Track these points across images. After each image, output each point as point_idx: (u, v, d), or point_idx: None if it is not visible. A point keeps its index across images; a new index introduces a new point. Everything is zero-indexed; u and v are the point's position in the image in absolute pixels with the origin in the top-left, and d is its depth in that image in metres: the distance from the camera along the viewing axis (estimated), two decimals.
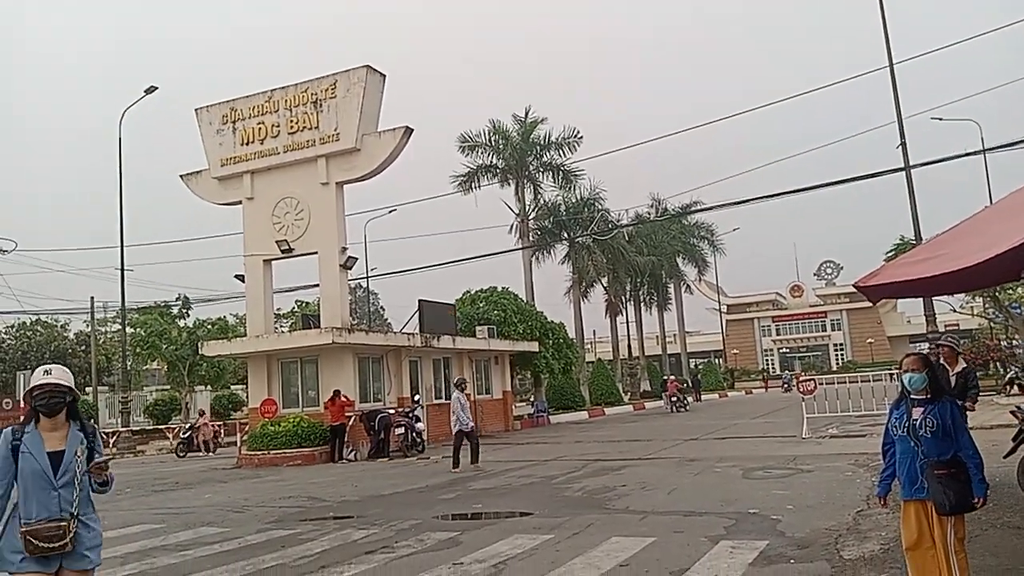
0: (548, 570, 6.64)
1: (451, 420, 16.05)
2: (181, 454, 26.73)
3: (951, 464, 4.70)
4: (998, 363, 35.77)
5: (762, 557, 6.64)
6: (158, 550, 8.89)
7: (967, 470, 4.71)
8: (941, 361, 8.73)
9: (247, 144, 23.09)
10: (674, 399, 35.21)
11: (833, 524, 7.82)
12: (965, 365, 9.14)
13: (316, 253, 22.26)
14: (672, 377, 40.08)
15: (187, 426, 28.95)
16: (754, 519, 8.42)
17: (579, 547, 7.49)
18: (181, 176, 24.56)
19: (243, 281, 23.41)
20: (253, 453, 20.55)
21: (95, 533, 4.04)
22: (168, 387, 44.05)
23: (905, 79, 21.96)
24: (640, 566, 6.64)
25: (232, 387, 43.83)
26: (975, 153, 24.10)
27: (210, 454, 26.68)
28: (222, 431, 32.32)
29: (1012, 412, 8.93)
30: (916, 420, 4.82)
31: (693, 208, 46.65)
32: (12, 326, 47.25)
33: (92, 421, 4.27)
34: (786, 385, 51.01)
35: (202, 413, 30.34)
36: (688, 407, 35.95)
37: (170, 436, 31.86)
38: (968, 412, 7.26)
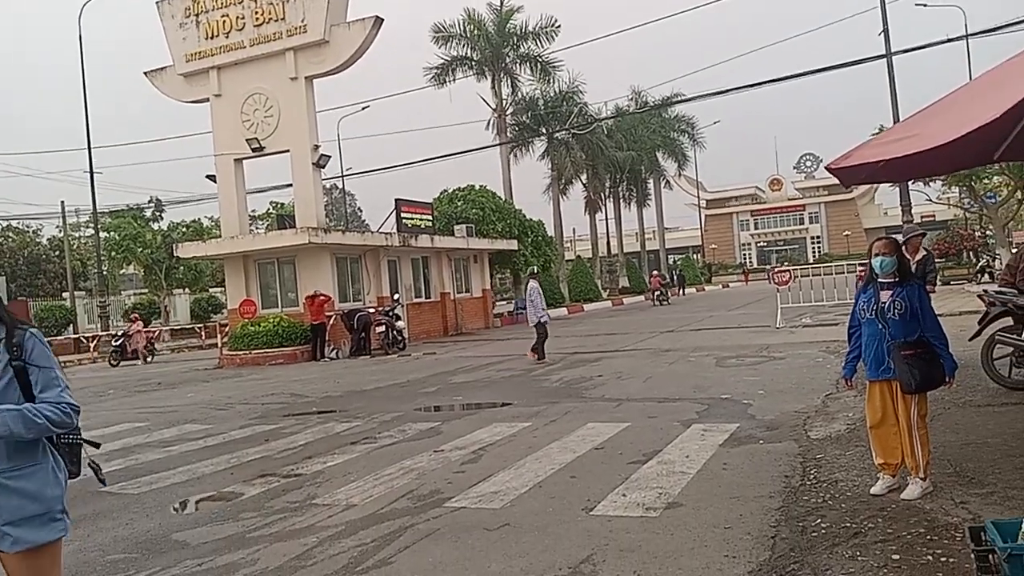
0: (526, 455, 6.83)
1: (529, 312, 15.30)
2: (114, 362, 24.66)
3: (917, 345, 4.81)
4: (971, 252, 36.41)
5: (732, 439, 6.86)
6: (142, 447, 9.03)
7: (932, 351, 4.82)
8: (904, 250, 8.92)
9: (212, 38, 22.21)
10: (656, 293, 36.37)
11: (802, 407, 8.06)
12: (925, 252, 9.50)
13: (288, 151, 21.80)
14: (655, 273, 41.53)
15: (119, 333, 26.73)
16: (726, 404, 8.66)
17: (556, 433, 7.70)
18: (146, 73, 23.73)
19: (214, 181, 23.00)
20: (234, 353, 20.70)
21: (28, 497, 2.60)
22: (146, 291, 43.90)
23: None
24: (614, 448, 6.84)
25: (211, 290, 43.76)
26: (958, 39, 23.68)
27: (145, 361, 25.01)
28: (204, 333, 32.37)
29: (979, 296, 9.12)
30: (885, 303, 4.89)
31: (673, 99, 45.86)
32: None
33: (27, 328, 2.72)
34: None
35: (135, 319, 27.48)
36: (669, 301, 36.87)
37: (152, 335, 31.70)
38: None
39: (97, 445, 3.03)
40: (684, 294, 45.86)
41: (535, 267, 18.14)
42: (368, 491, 6.04)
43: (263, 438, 8.92)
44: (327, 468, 7.03)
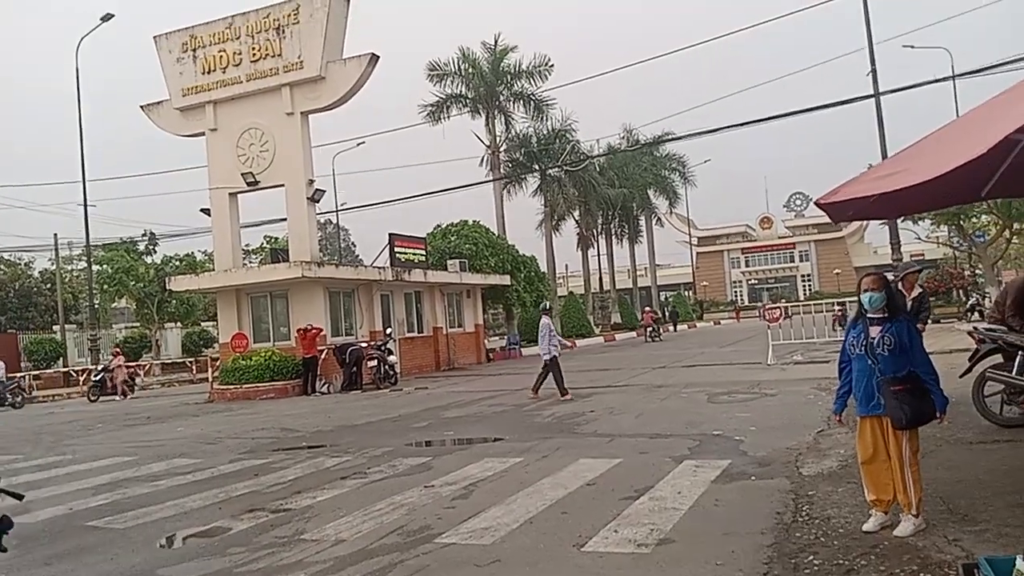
0: (517, 490, 6.77)
1: (542, 347, 14.75)
2: (93, 398, 24.03)
3: (907, 380, 4.81)
4: (960, 291, 36.61)
5: (724, 475, 6.83)
6: (130, 481, 8.92)
7: (922, 386, 4.83)
8: (900, 287, 8.96)
9: (208, 73, 22.44)
10: (649, 329, 36.62)
11: (794, 444, 8.04)
12: (921, 290, 9.56)
13: (283, 186, 21.92)
14: (648, 309, 41.94)
15: (99, 367, 25.96)
16: (718, 440, 8.63)
17: (547, 469, 7.64)
18: (142, 107, 23.90)
19: (209, 215, 23.06)
20: (225, 387, 20.57)
21: None
22: (138, 324, 43.67)
23: (877, 5, 21.78)
24: (606, 485, 6.80)
25: (203, 324, 43.57)
26: (944, 79, 24.10)
27: (124, 397, 24.32)
28: (195, 367, 32.13)
29: (969, 333, 9.17)
30: (874, 338, 4.91)
31: (665, 138, 46.35)
32: None
33: None
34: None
35: (116, 353, 26.40)
36: (661, 337, 37.02)
37: (141, 373, 31.48)
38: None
39: (20, 497, 2.70)
40: (676, 330, 46.04)
41: (547, 303, 18.02)
42: (357, 527, 5.97)
43: (252, 472, 8.83)
44: (316, 503, 6.96)
